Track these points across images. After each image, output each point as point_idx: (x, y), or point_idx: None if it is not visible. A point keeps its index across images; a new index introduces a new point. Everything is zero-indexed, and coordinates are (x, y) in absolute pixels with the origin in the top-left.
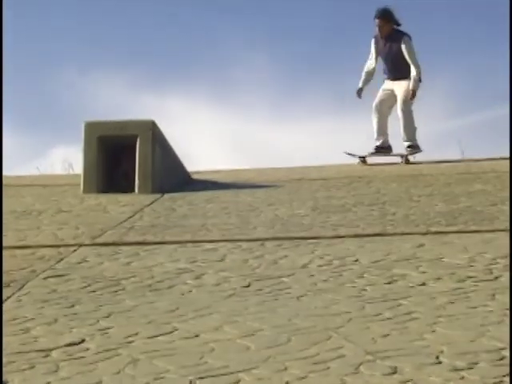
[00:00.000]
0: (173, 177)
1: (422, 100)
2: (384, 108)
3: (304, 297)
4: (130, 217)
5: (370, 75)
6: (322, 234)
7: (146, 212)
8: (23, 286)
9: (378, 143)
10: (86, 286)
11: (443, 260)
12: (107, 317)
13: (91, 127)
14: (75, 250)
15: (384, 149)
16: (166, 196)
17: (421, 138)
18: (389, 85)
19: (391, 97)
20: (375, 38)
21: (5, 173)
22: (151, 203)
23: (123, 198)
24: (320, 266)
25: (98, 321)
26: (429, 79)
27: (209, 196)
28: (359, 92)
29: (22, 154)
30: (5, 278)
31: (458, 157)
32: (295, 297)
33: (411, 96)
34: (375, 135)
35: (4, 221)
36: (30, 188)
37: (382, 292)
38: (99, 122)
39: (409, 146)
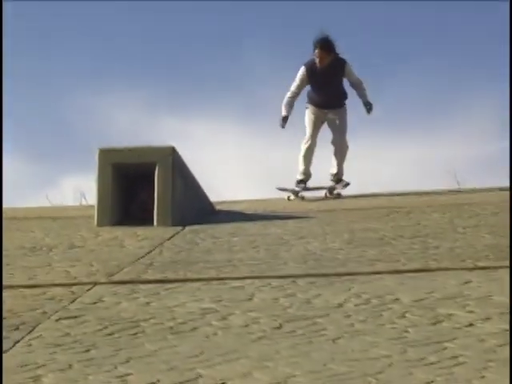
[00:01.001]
0: (195, 207)
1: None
2: (316, 140)
3: (340, 339)
4: (149, 252)
5: (293, 102)
6: (358, 269)
7: (165, 246)
8: (34, 328)
9: (303, 177)
10: (102, 329)
11: (492, 298)
12: (126, 362)
13: (105, 154)
14: (90, 289)
15: (307, 181)
16: (188, 229)
17: (465, 163)
18: (320, 113)
19: (320, 126)
20: (309, 67)
21: (13, 204)
22: (171, 237)
23: (141, 231)
24: (357, 305)
25: (116, 367)
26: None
27: (234, 228)
28: (284, 121)
29: (31, 183)
30: (14, 321)
31: (503, 184)
32: (330, 339)
33: (370, 110)
34: (302, 168)
35: (12, 257)
36: (40, 221)
37: (425, 334)
38: (114, 148)
39: (340, 180)
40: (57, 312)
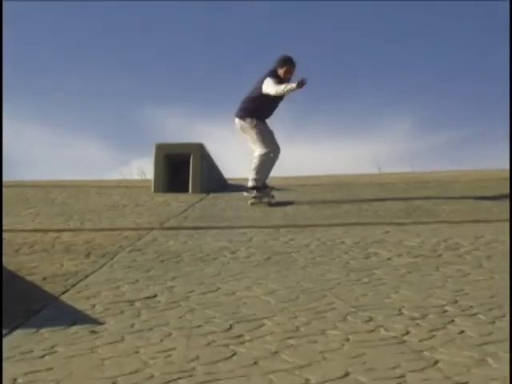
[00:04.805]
0: (215, 182)
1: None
2: None
3: (307, 267)
4: (186, 210)
5: None
6: (318, 222)
7: (196, 206)
8: (114, 256)
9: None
10: (157, 257)
11: (403, 243)
12: (172, 279)
13: (160, 148)
14: (149, 232)
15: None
16: (210, 195)
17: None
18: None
19: None
20: (274, 76)
21: (97, 177)
22: (200, 200)
23: (181, 196)
24: (317, 245)
25: (166, 281)
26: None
27: (240, 196)
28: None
29: (111, 163)
30: (101, 251)
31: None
32: (301, 267)
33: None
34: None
35: (99, 212)
36: (118, 189)
37: (361, 264)
38: (165, 144)
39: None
40: (128, 246)
